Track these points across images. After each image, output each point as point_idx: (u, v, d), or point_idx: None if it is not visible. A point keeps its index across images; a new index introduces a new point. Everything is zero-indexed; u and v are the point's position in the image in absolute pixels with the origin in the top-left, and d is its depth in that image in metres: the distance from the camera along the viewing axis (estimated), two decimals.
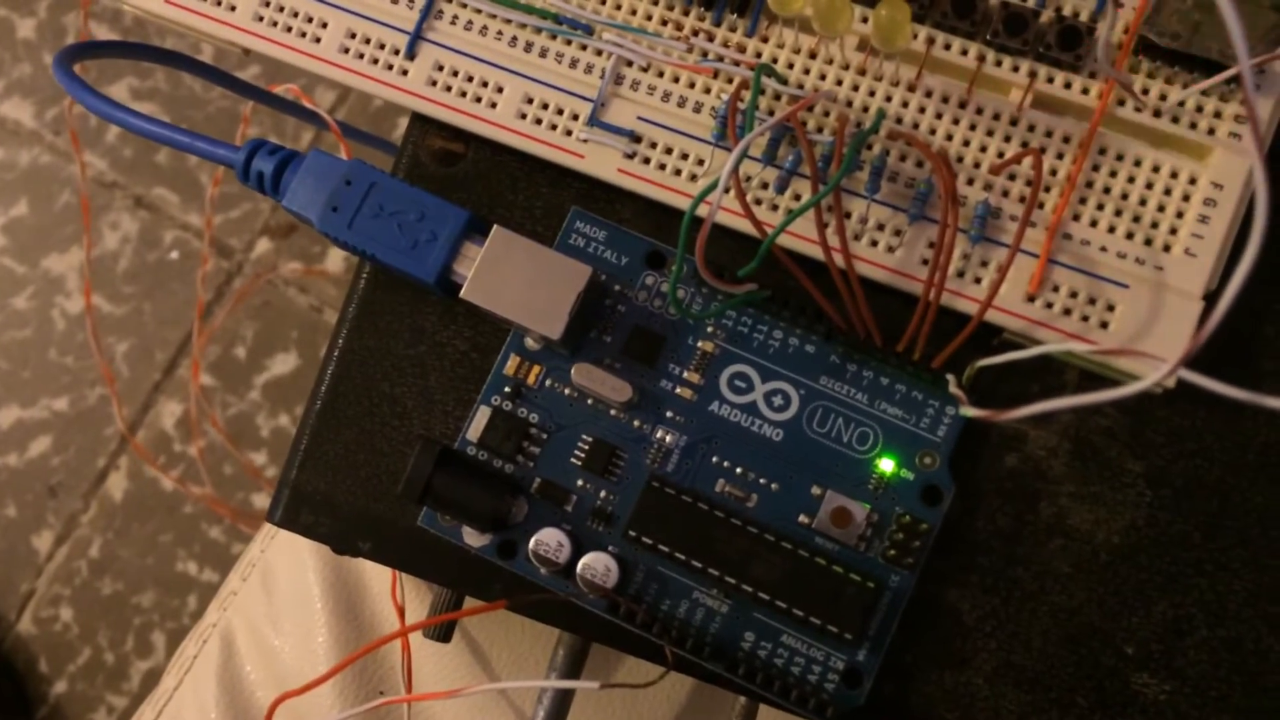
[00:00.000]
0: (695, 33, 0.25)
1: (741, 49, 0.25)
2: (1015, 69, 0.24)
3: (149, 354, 0.80)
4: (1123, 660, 0.23)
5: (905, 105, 0.24)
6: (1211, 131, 0.23)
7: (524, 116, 0.25)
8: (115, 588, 0.78)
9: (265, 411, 0.79)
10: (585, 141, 0.25)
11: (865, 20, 0.24)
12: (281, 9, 0.26)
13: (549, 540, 0.24)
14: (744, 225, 0.23)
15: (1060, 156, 0.24)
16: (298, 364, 0.79)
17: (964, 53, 0.24)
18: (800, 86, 0.24)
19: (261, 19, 0.26)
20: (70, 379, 0.80)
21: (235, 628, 0.35)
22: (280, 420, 0.79)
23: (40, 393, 0.80)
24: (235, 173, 0.26)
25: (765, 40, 0.25)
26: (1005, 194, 0.24)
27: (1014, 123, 0.24)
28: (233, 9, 0.26)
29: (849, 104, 0.24)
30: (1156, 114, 0.23)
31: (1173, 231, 0.23)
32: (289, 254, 0.80)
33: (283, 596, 0.34)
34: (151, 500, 0.79)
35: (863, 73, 0.24)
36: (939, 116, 0.24)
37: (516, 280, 0.24)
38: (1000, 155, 0.24)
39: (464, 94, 0.25)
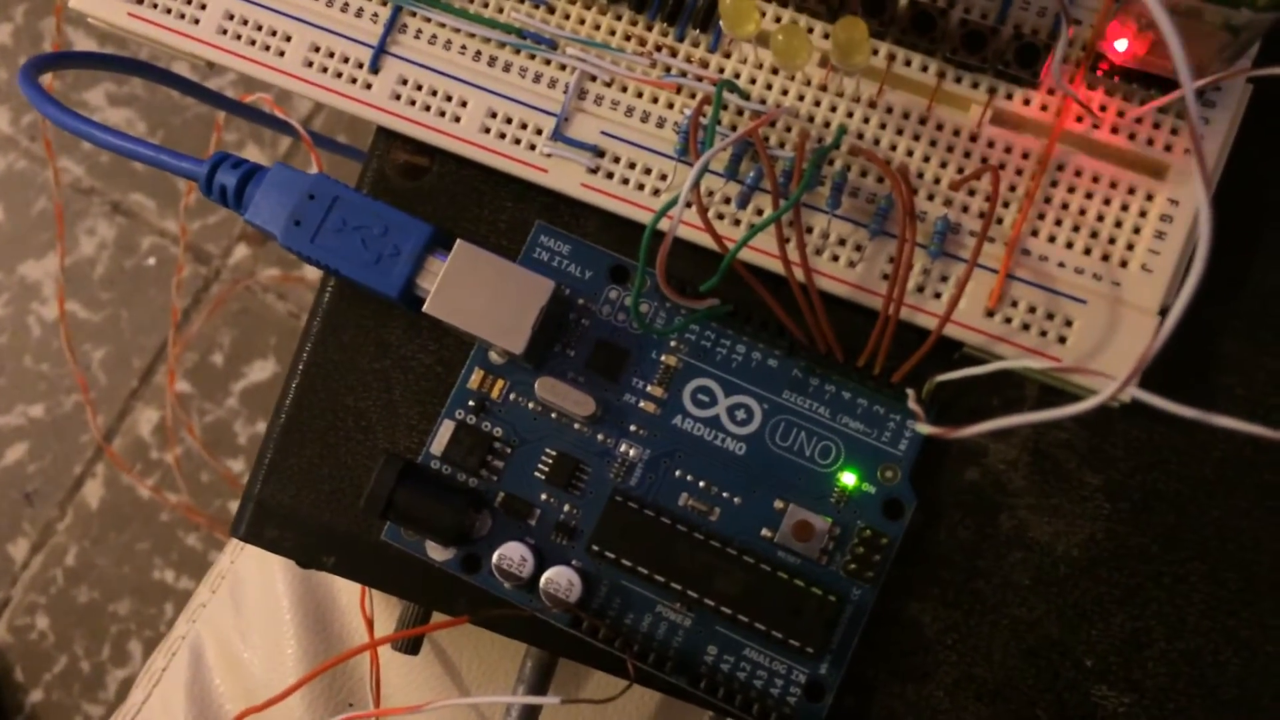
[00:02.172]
0: (658, 48, 0.25)
1: (704, 64, 0.25)
2: (974, 86, 0.24)
3: (125, 361, 0.80)
4: (1082, 673, 0.24)
5: (866, 121, 0.24)
6: (1168, 148, 0.23)
7: (488, 131, 0.25)
8: (91, 596, 0.77)
9: (243, 419, 0.78)
10: (549, 156, 0.25)
11: (827, 37, 0.24)
12: (245, 23, 0.26)
13: (512, 554, 0.24)
14: (706, 240, 0.24)
15: (1019, 173, 0.24)
16: (275, 371, 0.79)
17: (924, 69, 0.24)
18: (762, 102, 0.24)
19: (225, 32, 0.26)
20: (46, 386, 0.80)
21: (204, 640, 0.35)
22: (258, 427, 0.78)
23: (16, 400, 0.80)
24: (199, 186, 0.26)
25: (728, 56, 0.25)
26: (965, 210, 0.24)
27: (973, 139, 0.24)
28: (196, 23, 0.26)
29: (810, 120, 0.24)
30: (1114, 131, 0.24)
31: (1129, 247, 0.23)
32: (267, 260, 0.80)
33: (252, 609, 0.34)
34: (128, 508, 0.78)
35: (824, 89, 0.24)
36: (899, 132, 0.24)
37: (480, 294, 0.24)
38: (960, 171, 0.24)
39: (428, 108, 0.25)
